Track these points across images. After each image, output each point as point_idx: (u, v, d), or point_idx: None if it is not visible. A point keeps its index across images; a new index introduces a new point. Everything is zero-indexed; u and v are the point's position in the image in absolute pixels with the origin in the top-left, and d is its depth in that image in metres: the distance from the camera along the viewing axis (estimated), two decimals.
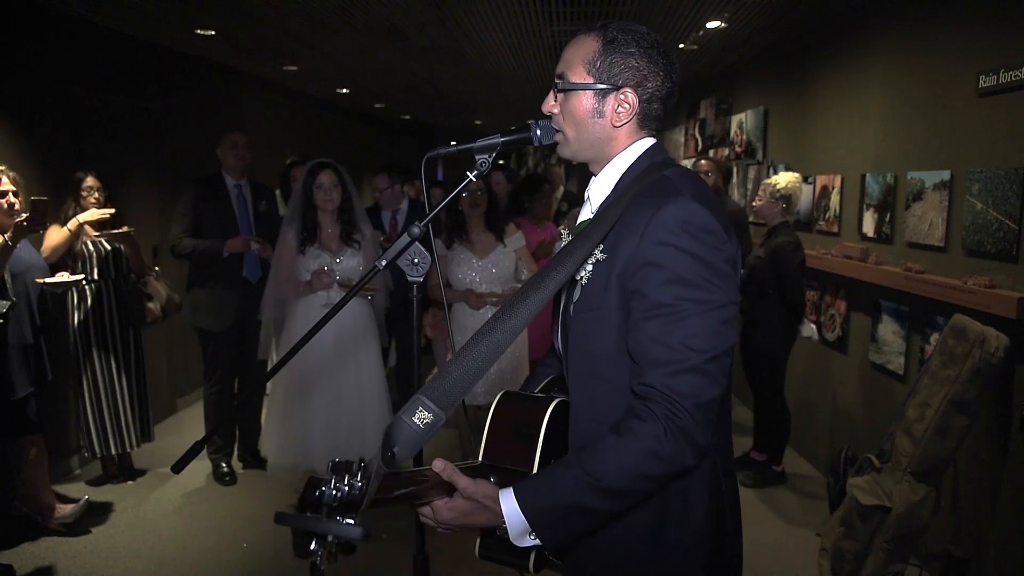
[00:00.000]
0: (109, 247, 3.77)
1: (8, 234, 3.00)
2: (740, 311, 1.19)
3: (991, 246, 2.76)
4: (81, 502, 3.46)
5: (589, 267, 1.25)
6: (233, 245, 3.86)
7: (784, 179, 3.88)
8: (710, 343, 1.15)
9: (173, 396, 5.26)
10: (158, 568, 3.19)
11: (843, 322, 3.99)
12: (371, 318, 3.57)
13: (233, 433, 4.22)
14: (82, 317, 3.73)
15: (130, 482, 4.02)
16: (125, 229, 3.71)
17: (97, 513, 3.61)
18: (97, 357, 3.77)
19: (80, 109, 4.30)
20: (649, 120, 1.31)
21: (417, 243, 1.40)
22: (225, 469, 4.08)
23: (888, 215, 3.51)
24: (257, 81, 6.76)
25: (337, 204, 3.44)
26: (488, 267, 3.73)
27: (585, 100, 1.28)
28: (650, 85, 1.28)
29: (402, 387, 4.49)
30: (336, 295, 3.39)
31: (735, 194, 5.68)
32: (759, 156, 5.25)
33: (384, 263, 1.39)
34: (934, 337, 3.09)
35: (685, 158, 7.18)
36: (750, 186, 5.39)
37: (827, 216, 4.15)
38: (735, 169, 5.63)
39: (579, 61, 1.28)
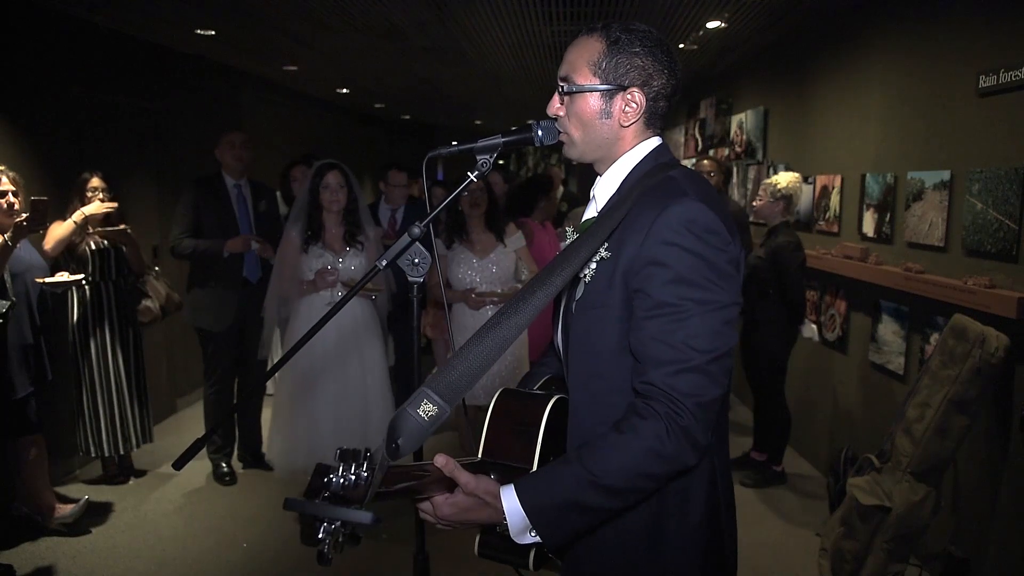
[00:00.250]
0: (111, 248, 3.77)
1: (8, 234, 2.99)
2: (740, 311, 1.19)
3: (991, 246, 2.76)
4: (81, 502, 3.46)
5: (593, 265, 1.25)
6: (233, 245, 3.86)
7: (784, 179, 3.88)
8: (712, 343, 1.15)
9: (173, 396, 5.26)
10: (158, 568, 3.19)
11: (843, 322, 3.99)
12: (374, 318, 3.58)
13: (233, 433, 4.22)
14: (82, 317, 3.73)
15: (130, 482, 4.02)
16: (123, 227, 3.71)
17: (97, 513, 3.61)
18: (97, 357, 3.76)
19: (80, 109, 4.30)
20: (655, 118, 1.32)
21: (417, 243, 1.40)
22: (225, 469, 4.08)
23: (888, 215, 3.51)
24: (257, 81, 6.76)
25: (343, 205, 3.47)
26: (488, 267, 3.73)
27: (592, 102, 1.29)
28: (656, 84, 1.29)
29: (401, 387, 4.49)
30: (340, 295, 3.40)
31: (735, 194, 5.68)
32: (759, 156, 5.25)
33: (384, 263, 1.39)
34: (934, 337, 3.10)
35: (685, 158, 7.18)
36: (750, 186, 5.40)
37: (827, 216, 4.16)
38: (735, 169, 5.63)
39: (584, 63, 1.28)
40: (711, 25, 4.48)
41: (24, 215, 3.02)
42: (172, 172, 5.15)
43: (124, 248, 3.82)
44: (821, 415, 4.26)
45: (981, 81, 2.82)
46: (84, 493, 3.64)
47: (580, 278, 1.28)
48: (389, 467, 1.07)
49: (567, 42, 1.34)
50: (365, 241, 3.54)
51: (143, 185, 4.93)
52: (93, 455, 3.87)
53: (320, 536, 0.98)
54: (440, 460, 1.16)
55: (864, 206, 3.74)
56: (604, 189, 1.35)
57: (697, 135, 7.01)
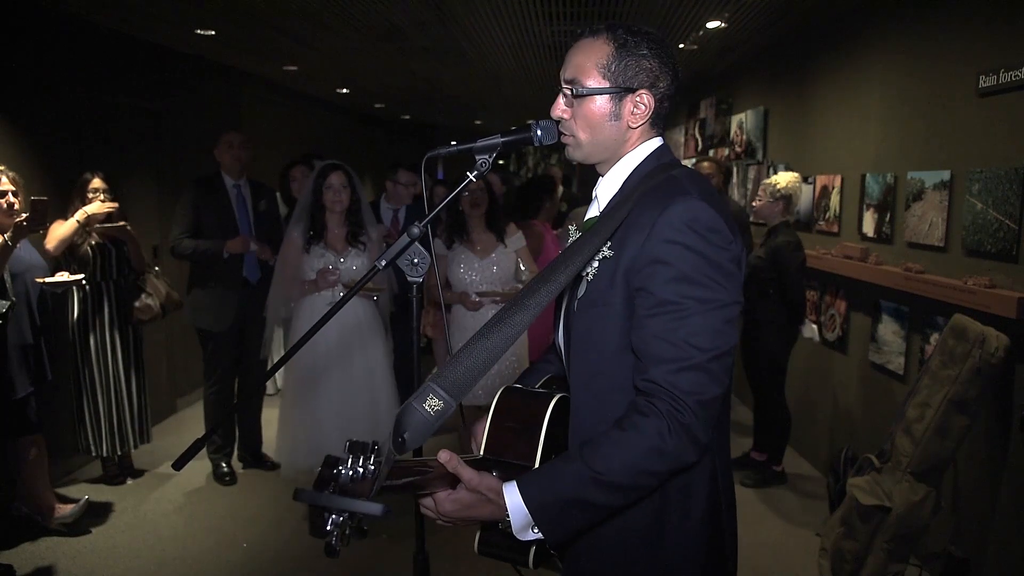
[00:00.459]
0: (111, 247, 3.77)
1: (8, 234, 2.99)
2: (741, 311, 1.20)
3: (991, 246, 2.76)
4: (81, 502, 3.46)
5: (595, 264, 1.26)
6: (233, 246, 3.87)
7: (784, 179, 3.88)
8: (713, 342, 1.16)
9: (173, 396, 5.26)
10: (158, 568, 3.19)
11: (843, 322, 3.99)
12: (375, 318, 3.59)
13: (233, 433, 4.22)
14: (82, 317, 3.73)
15: (130, 482, 4.02)
16: (122, 224, 3.71)
17: (97, 513, 3.61)
18: (97, 357, 3.76)
19: (80, 109, 4.30)
20: (659, 119, 1.34)
21: (417, 243, 1.41)
22: (225, 469, 4.08)
23: (888, 215, 3.51)
24: (257, 81, 6.76)
25: (346, 205, 3.48)
26: (489, 267, 3.73)
27: (602, 104, 1.29)
28: (662, 85, 1.30)
29: (401, 387, 4.49)
30: (341, 295, 3.40)
31: (735, 194, 5.68)
32: (759, 156, 5.26)
33: (384, 263, 1.39)
34: (934, 337, 3.10)
35: (685, 158, 7.18)
36: (750, 186, 5.40)
37: (827, 216, 4.16)
38: (735, 169, 5.64)
39: (592, 66, 1.29)
40: (711, 25, 4.48)
41: (24, 215, 3.02)
42: (172, 172, 5.15)
43: (125, 245, 3.82)
44: (821, 415, 4.26)
45: (981, 81, 2.82)
46: (84, 493, 3.64)
47: (582, 276, 1.28)
48: (394, 462, 1.07)
49: (567, 42, 1.34)
50: (367, 241, 3.55)
51: (143, 185, 4.93)
52: (93, 455, 3.87)
53: (328, 528, 0.98)
54: (443, 456, 1.17)
55: (864, 206, 3.74)
56: (607, 189, 1.36)
57: (697, 135, 7.01)
